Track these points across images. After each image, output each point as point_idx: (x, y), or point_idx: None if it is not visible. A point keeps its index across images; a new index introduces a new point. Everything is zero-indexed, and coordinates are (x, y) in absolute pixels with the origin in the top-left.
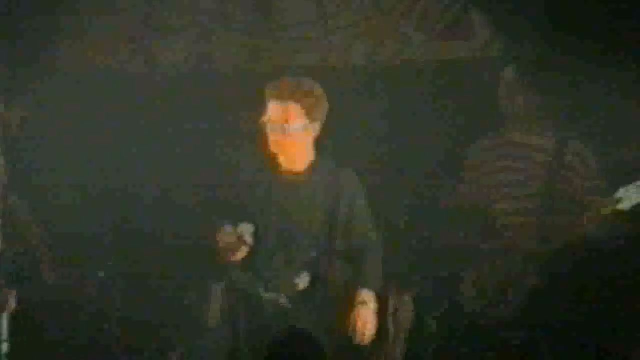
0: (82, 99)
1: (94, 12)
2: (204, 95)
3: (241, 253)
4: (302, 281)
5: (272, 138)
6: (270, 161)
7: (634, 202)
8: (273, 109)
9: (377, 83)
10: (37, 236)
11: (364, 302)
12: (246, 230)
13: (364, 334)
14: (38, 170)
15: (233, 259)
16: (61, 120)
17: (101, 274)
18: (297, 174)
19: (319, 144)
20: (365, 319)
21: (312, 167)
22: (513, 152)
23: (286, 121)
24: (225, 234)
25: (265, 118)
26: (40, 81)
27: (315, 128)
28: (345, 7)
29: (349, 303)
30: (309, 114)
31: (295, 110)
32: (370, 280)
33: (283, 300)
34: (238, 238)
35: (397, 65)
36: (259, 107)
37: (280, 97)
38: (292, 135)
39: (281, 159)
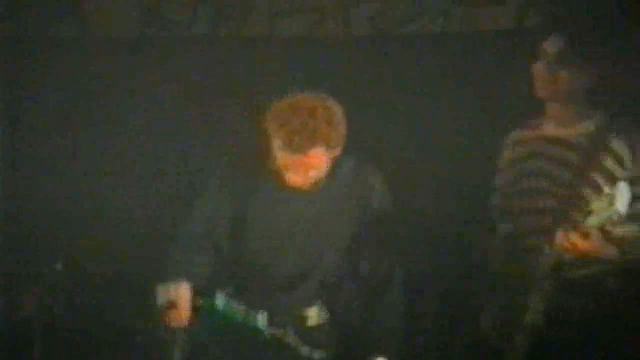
0: None
1: None
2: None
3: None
4: (314, 314)
5: (291, 171)
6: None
7: (603, 216)
8: (290, 160)
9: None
10: None
11: None
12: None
13: None
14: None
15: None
16: None
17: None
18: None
19: None
20: None
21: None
22: (544, 151)
23: (307, 169)
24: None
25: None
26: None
27: (338, 150)
28: None
29: None
30: (333, 146)
31: (320, 152)
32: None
33: (291, 338)
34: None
35: (407, 37)
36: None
37: (298, 150)
38: (317, 166)
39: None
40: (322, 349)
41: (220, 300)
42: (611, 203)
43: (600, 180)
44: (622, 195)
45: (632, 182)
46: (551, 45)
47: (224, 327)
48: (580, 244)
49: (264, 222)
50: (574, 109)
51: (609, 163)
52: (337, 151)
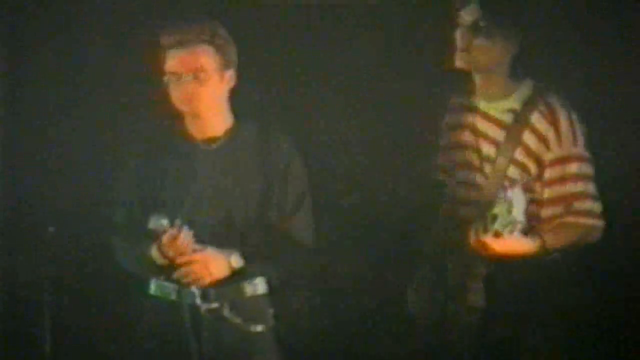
0: None
1: None
2: None
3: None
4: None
5: (181, 94)
6: (176, 128)
7: (505, 222)
8: (178, 58)
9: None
10: None
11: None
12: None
13: None
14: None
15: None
16: None
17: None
18: (212, 140)
19: (239, 108)
20: None
21: (232, 132)
22: (473, 124)
23: (198, 69)
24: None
25: (169, 71)
26: None
27: (231, 76)
28: None
29: None
30: (224, 56)
31: (208, 52)
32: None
33: (228, 311)
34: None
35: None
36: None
37: (186, 42)
38: (208, 84)
39: (192, 121)
40: (261, 323)
41: (153, 284)
42: (509, 211)
43: (524, 160)
44: (518, 202)
45: (556, 163)
46: (468, 14)
47: (160, 310)
48: (493, 244)
49: (177, 180)
50: (498, 81)
51: (534, 143)
52: (233, 75)
